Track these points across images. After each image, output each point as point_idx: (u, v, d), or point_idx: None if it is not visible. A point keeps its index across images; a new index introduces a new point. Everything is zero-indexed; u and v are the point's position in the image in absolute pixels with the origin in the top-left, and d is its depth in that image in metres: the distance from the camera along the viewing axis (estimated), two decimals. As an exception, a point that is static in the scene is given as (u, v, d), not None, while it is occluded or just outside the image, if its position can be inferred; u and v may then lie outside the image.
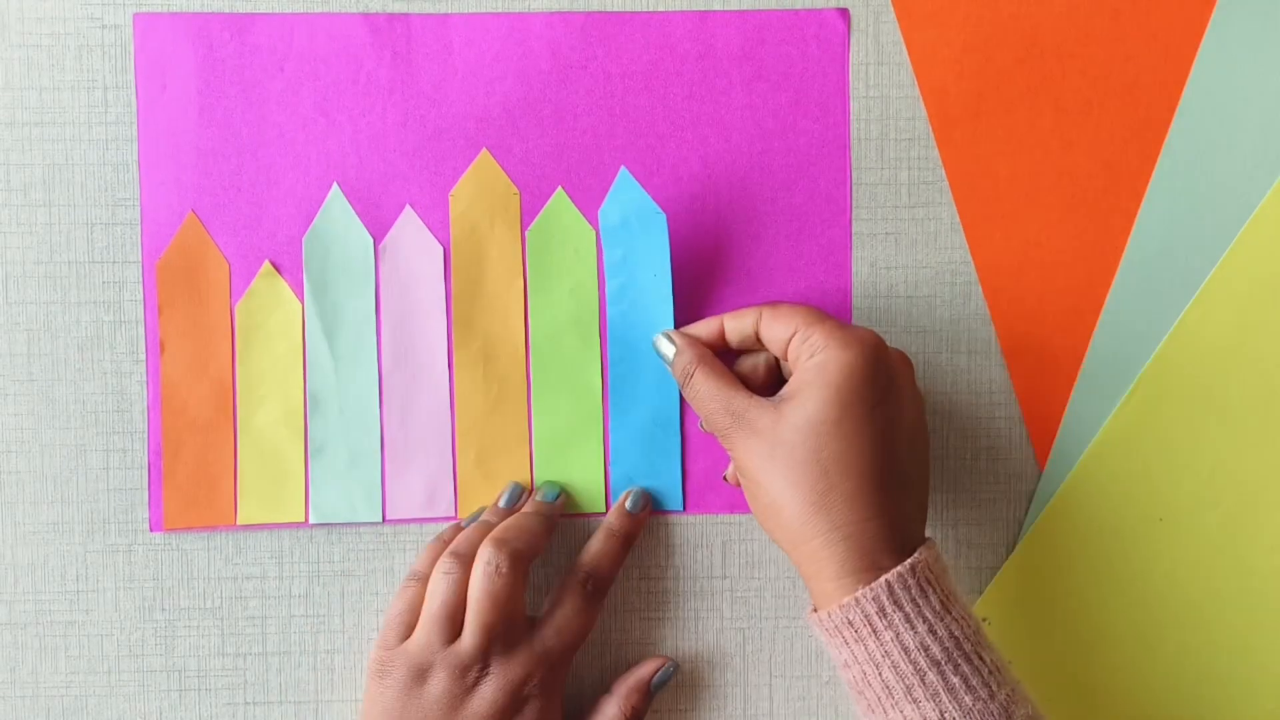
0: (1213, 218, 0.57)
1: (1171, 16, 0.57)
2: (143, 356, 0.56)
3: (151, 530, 0.57)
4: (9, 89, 0.56)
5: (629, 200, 0.56)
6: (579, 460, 0.57)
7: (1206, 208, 0.57)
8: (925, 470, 0.52)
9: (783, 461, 0.49)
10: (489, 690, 0.51)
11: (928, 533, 0.58)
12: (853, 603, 0.47)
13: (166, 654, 0.57)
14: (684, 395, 0.53)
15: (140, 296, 0.56)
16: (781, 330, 0.51)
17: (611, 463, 0.57)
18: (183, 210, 0.56)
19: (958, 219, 0.57)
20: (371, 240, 0.57)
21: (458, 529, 0.56)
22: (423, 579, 0.54)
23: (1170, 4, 0.57)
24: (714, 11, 0.57)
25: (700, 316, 0.56)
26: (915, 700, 0.46)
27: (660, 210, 0.55)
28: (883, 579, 0.47)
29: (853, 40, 0.57)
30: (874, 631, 0.47)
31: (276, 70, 0.56)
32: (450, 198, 0.57)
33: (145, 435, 0.56)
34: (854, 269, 0.57)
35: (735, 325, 0.53)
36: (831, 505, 0.48)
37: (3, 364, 0.56)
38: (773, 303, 0.53)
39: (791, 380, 0.50)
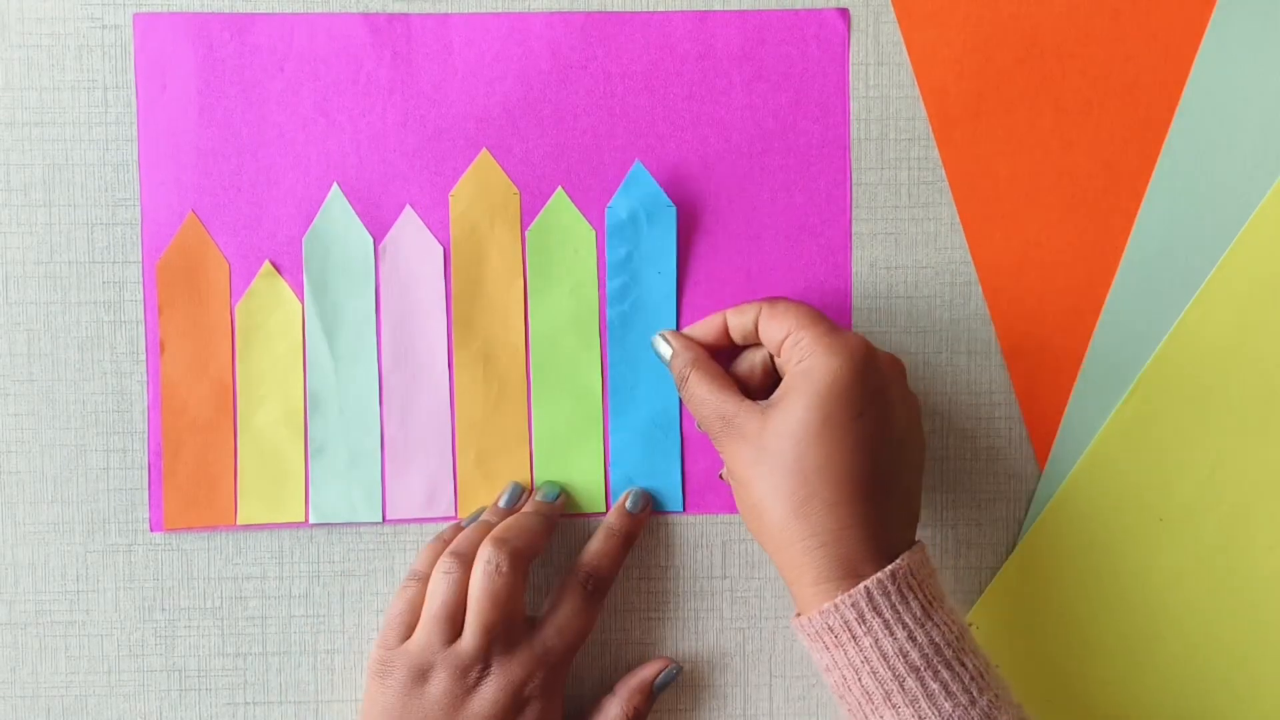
0: (1213, 218, 0.57)
1: (1171, 16, 0.57)
2: (143, 356, 0.56)
3: (151, 530, 0.57)
4: (9, 89, 0.56)
5: (640, 194, 0.56)
6: (579, 460, 0.57)
7: (1206, 208, 0.57)
8: (917, 475, 0.52)
9: (767, 467, 0.49)
10: (490, 690, 0.51)
11: (927, 534, 0.58)
12: (832, 609, 0.48)
13: (166, 654, 0.57)
14: (680, 396, 0.54)
15: (140, 296, 0.56)
16: (776, 331, 0.51)
17: (611, 463, 0.57)
18: (183, 210, 0.56)
19: (958, 219, 0.57)
20: (371, 240, 0.57)
21: (458, 529, 0.56)
22: (423, 579, 0.54)
23: (1170, 4, 0.57)
24: (714, 11, 0.57)
25: (701, 317, 0.56)
26: (894, 706, 0.47)
27: (671, 203, 0.55)
28: (862, 586, 0.47)
29: (853, 40, 0.57)
30: (853, 637, 0.47)
31: (276, 70, 0.56)
32: (450, 198, 0.57)
33: (145, 435, 0.56)
34: (854, 269, 0.57)
35: (737, 321, 0.53)
36: (812, 512, 0.48)
37: (3, 364, 0.56)
38: (772, 299, 0.53)
39: (781, 385, 0.50)
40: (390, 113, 0.56)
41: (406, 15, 0.56)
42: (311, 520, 0.57)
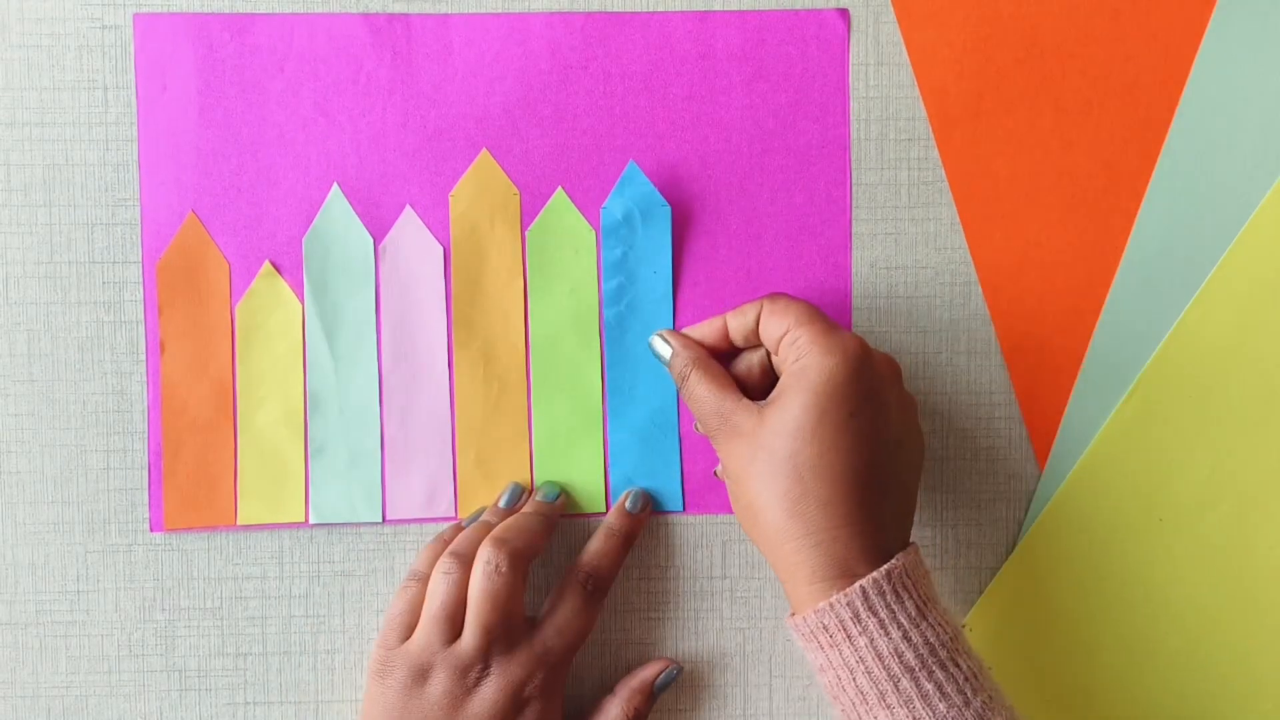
0: (1213, 218, 0.57)
1: (1171, 16, 0.57)
2: (143, 356, 0.56)
3: (151, 530, 0.57)
4: (9, 89, 0.56)
5: (635, 193, 0.56)
6: (579, 460, 0.57)
7: (1206, 208, 0.57)
8: (914, 475, 0.52)
9: (762, 465, 0.49)
10: (489, 691, 0.51)
11: (927, 534, 0.58)
12: (827, 608, 0.48)
13: (166, 654, 0.57)
14: (681, 395, 0.54)
15: (140, 296, 0.56)
16: (775, 328, 0.51)
17: (611, 463, 0.57)
18: (183, 210, 0.56)
19: (958, 219, 0.57)
20: (371, 240, 0.57)
21: (458, 529, 0.56)
22: (423, 579, 0.54)
23: (1170, 4, 0.57)
24: (714, 11, 0.57)
25: (700, 317, 0.56)
26: (889, 706, 0.47)
27: (665, 202, 0.55)
28: (857, 585, 0.47)
29: (853, 40, 0.57)
30: (848, 637, 0.47)
31: (276, 70, 0.56)
32: (450, 198, 0.57)
33: (145, 435, 0.56)
34: (854, 269, 0.57)
35: (738, 323, 0.53)
36: (806, 511, 0.48)
37: (3, 364, 0.56)
38: (774, 295, 0.53)
39: (778, 384, 0.51)
40: (390, 113, 0.56)
41: (406, 15, 0.56)
42: (311, 520, 0.57)
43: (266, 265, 0.56)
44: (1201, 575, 0.57)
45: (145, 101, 0.56)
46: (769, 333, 0.52)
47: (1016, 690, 0.49)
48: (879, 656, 0.47)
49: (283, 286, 0.57)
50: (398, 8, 0.56)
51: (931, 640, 0.47)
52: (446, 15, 0.56)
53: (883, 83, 0.57)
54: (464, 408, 0.57)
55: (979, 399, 0.58)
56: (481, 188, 0.57)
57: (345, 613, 0.57)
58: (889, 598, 0.47)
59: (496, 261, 0.57)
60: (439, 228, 0.57)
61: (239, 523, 0.57)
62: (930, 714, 0.46)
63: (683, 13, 0.56)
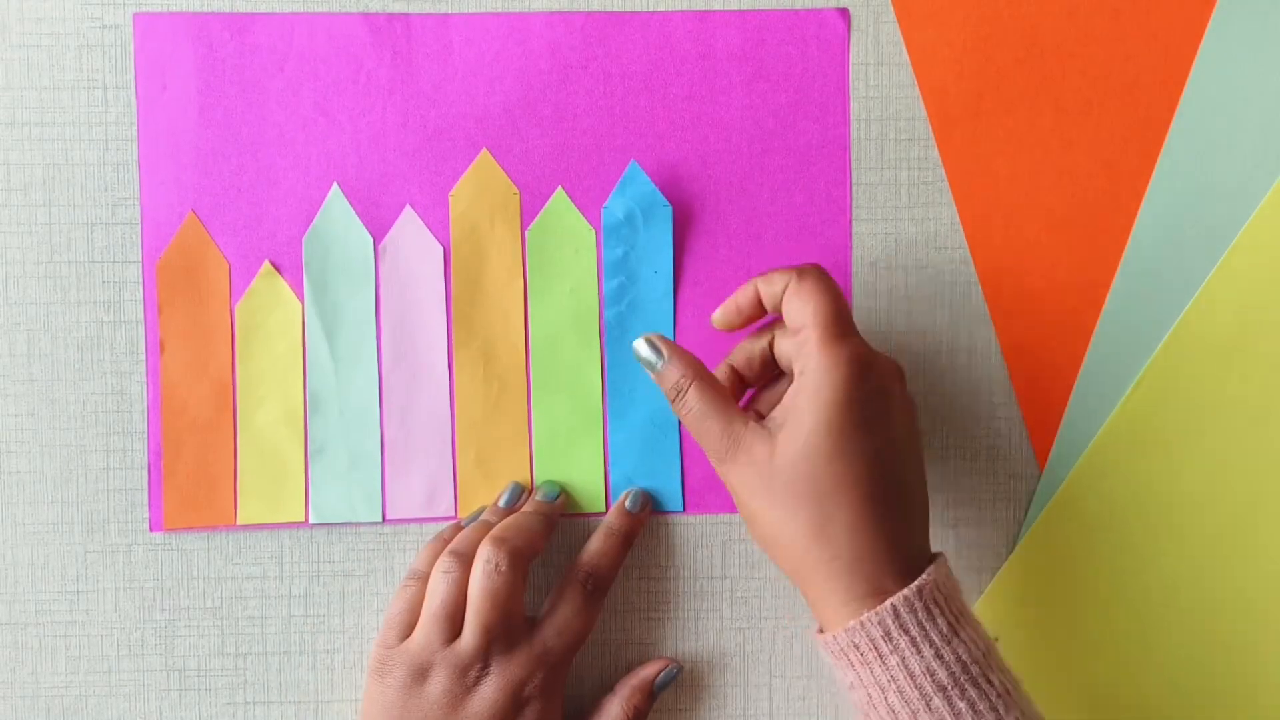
0: (1213, 218, 0.57)
1: (1171, 16, 0.57)
2: (143, 356, 0.56)
3: (151, 530, 0.57)
4: (9, 89, 0.56)
5: (636, 193, 0.56)
6: (579, 460, 0.57)
7: (1206, 208, 0.57)
8: (920, 479, 0.51)
9: (780, 493, 0.48)
10: (489, 690, 0.51)
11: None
12: (858, 626, 0.47)
13: (166, 654, 0.57)
14: (674, 409, 0.51)
15: (140, 296, 0.56)
16: (796, 316, 0.50)
17: (611, 463, 0.57)
18: (183, 210, 0.56)
19: (958, 219, 0.57)
20: (371, 240, 0.57)
21: (457, 528, 0.56)
22: (423, 578, 0.54)
23: (1170, 4, 0.57)
24: (714, 11, 0.57)
25: (700, 317, 0.56)
26: None
27: (667, 202, 0.56)
28: (888, 603, 0.47)
29: (853, 40, 0.57)
30: (879, 656, 0.47)
31: (276, 70, 0.56)
32: (450, 198, 0.57)
33: (145, 435, 0.56)
34: (854, 269, 0.57)
35: (768, 291, 0.51)
36: (832, 535, 0.48)
37: (3, 364, 0.56)
38: (803, 271, 0.50)
39: (785, 400, 0.49)
40: (390, 113, 0.56)
41: (406, 15, 0.56)
42: (311, 520, 0.57)
43: (266, 265, 0.56)
44: (1202, 575, 0.57)
45: (145, 101, 0.56)
46: (790, 319, 0.50)
47: (1016, 690, 0.49)
48: (910, 675, 0.46)
49: (283, 286, 0.57)
50: (398, 7, 0.56)
51: (964, 657, 0.47)
52: (446, 15, 0.56)
53: (883, 83, 0.57)
54: (464, 407, 0.57)
55: (979, 399, 0.58)
56: (481, 187, 0.57)
57: (345, 612, 0.57)
58: (920, 615, 0.47)
59: (496, 261, 0.57)
60: (439, 227, 0.57)
61: (239, 522, 0.57)
62: None
63: (683, 12, 0.57)
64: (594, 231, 0.57)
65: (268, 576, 0.57)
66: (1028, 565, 0.57)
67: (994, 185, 0.57)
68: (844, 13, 0.57)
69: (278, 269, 0.57)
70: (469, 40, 0.56)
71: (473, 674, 0.51)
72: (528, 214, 0.57)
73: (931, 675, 0.46)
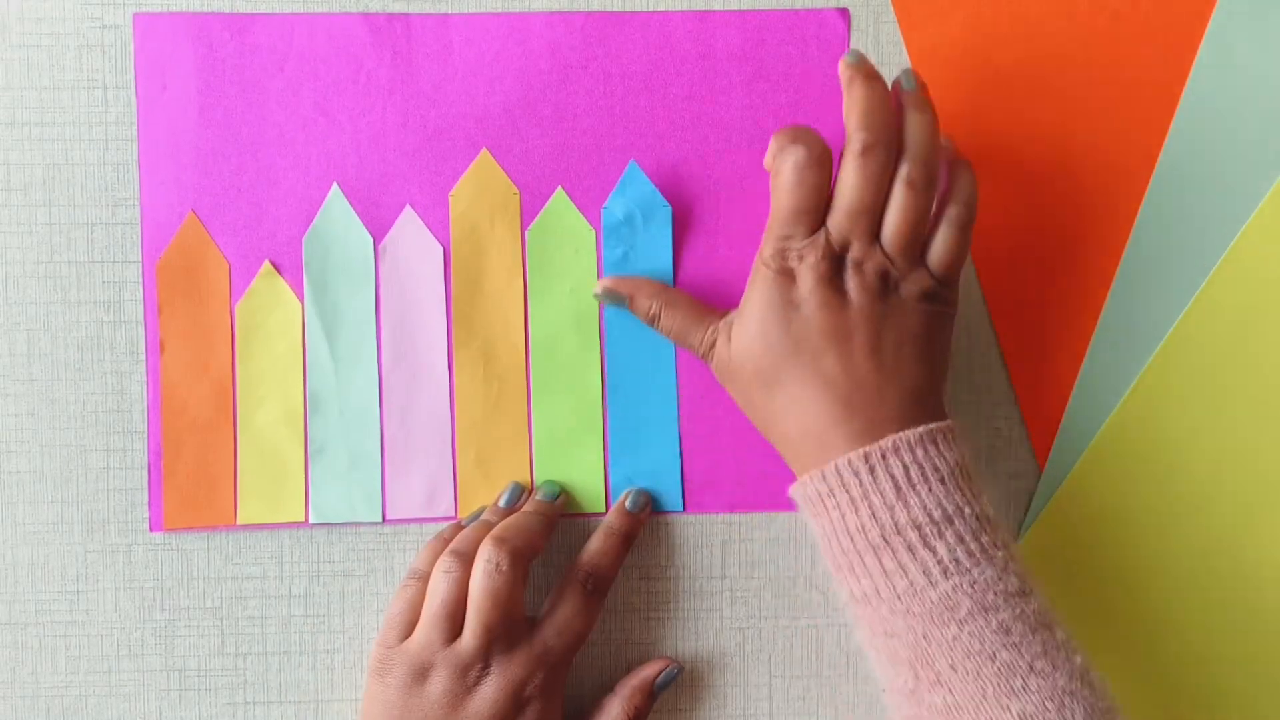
0: (1213, 217, 0.57)
1: (1171, 16, 0.57)
2: (143, 356, 0.56)
3: (151, 530, 0.57)
4: (9, 89, 0.56)
5: (636, 193, 0.56)
6: (579, 460, 0.57)
7: (1206, 208, 0.57)
8: (911, 342, 0.50)
9: (739, 378, 0.52)
10: (489, 690, 0.51)
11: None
12: (808, 479, 0.49)
13: (166, 654, 0.57)
14: (658, 330, 0.55)
15: (140, 296, 0.56)
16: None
17: (611, 463, 0.57)
18: (183, 210, 0.56)
19: (958, 219, 0.57)
20: (371, 240, 0.57)
21: (458, 528, 0.56)
22: (423, 577, 0.54)
23: (1170, 4, 0.57)
24: (714, 11, 0.57)
25: (700, 316, 0.56)
26: (878, 554, 0.48)
27: (667, 202, 0.56)
28: (832, 464, 0.48)
29: (853, 40, 0.57)
30: (825, 509, 0.49)
31: (276, 70, 0.56)
32: (450, 198, 0.57)
33: (145, 435, 0.56)
34: (854, 269, 0.57)
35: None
36: (785, 408, 0.50)
37: (3, 364, 0.56)
38: (781, 134, 0.51)
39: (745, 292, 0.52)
40: (390, 113, 0.56)
41: (406, 15, 0.56)
42: (311, 520, 0.57)
43: (266, 265, 0.56)
44: (1202, 575, 0.57)
45: (145, 101, 0.56)
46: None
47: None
48: (848, 530, 0.48)
49: (283, 286, 0.57)
50: (398, 7, 0.56)
51: (963, 507, 0.48)
52: (446, 15, 0.56)
53: (883, 83, 0.57)
54: (464, 407, 0.57)
55: (979, 399, 0.58)
56: (481, 187, 0.57)
57: (345, 612, 0.57)
58: (864, 476, 0.48)
59: (496, 261, 0.57)
60: (439, 227, 0.57)
61: (239, 522, 0.57)
62: (931, 556, 0.47)
63: (683, 12, 0.57)
64: (594, 231, 0.57)
65: (268, 576, 0.57)
66: (1027, 565, 0.57)
67: (994, 185, 0.57)
68: (844, 13, 0.57)
69: (278, 269, 0.57)
70: (469, 40, 0.56)
71: (473, 674, 0.51)
72: (528, 214, 0.57)
73: (865, 532, 0.48)
